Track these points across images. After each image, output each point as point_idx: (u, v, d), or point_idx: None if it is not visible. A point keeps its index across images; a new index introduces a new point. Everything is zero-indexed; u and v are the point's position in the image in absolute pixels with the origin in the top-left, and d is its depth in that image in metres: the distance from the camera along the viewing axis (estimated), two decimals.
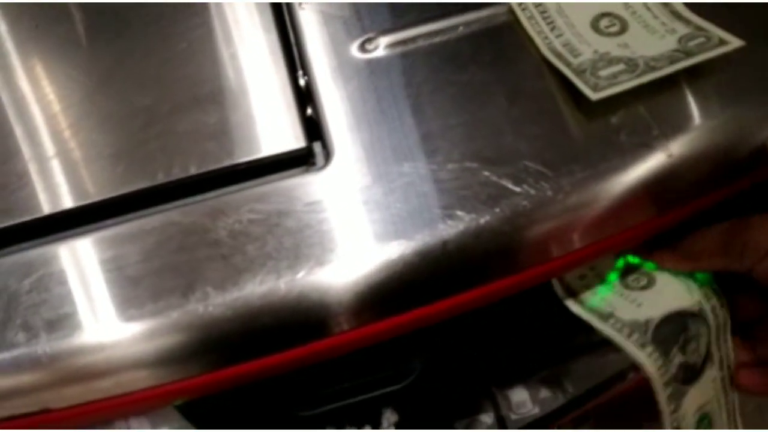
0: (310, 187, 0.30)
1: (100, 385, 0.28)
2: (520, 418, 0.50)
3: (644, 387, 0.37)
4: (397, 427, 0.34)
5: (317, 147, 0.31)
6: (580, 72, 0.30)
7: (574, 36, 0.31)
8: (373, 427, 0.34)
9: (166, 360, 0.27)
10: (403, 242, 0.28)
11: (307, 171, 0.30)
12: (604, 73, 0.29)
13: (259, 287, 0.28)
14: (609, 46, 0.31)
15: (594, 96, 0.28)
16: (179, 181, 0.30)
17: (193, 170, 0.30)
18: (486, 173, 0.29)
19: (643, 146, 0.29)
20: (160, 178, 0.30)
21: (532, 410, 0.51)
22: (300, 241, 0.28)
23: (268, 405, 0.33)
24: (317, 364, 0.30)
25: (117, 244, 0.29)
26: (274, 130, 0.31)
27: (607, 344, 0.50)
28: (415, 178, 0.29)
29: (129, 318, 0.28)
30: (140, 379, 0.28)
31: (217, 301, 0.28)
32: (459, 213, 0.28)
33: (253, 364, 0.28)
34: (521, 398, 0.51)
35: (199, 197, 0.30)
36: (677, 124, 0.30)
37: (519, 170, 0.29)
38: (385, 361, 0.35)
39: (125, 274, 0.28)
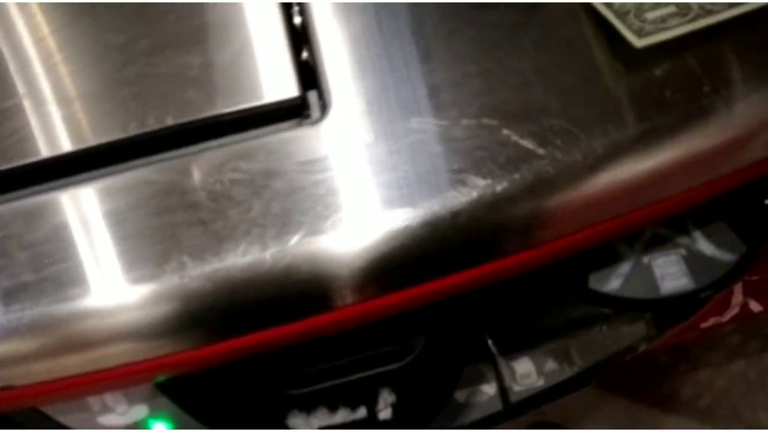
0: (303, 143, 0.26)
1: (66, 361, 0.25)
2: (524, 389, 0.48)
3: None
4: (394, 409, 0.32)
5: (313, 97, 0.27)
6: (622, 14, 0.25)
7: None
8: (369, 408, 0.31)
9: (138, 336, 0.24)
10: (408, 211, 0.25)
11: (300, 124, 0.27)
12: (650, 16, 0.25)
13: (242, 258, 0.24)
14: None
15: (638, 43, 0.24)
16: (154, 134, 0.26)
17: (171, 121, 0.26)
18: (506, 132, 0.25)
19: (691, 104, 0.25)
20: (133, 129, 0.26)
21: (537, 382, 0.49)
22: (290, 206, 0.25)
23: (254, 382, 0.31)
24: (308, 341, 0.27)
25: (84, 205, 0.25)
26: (264, 76, 0.27)
27: (619, 316, 0.47)
28: (424, 136, 0.25)
29: (97, 289, 0.24)
30: (110, 356, 0.25)
31: (195, 273, 0.24)
32: (473, 178, 0.25)
33: (234, 342, 0.25)
34: (526, 369, 0.49)
35: (176, 152, 0.26)
36: (731, 79, 0.26)
37: (545, 129, 0.25)
38: (383, 337, 0.32)
39: (90, 240, 0.25)
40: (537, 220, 0.25)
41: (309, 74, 0.27)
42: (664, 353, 1.01)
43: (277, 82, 0.27)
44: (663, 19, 0.25)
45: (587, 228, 0.26)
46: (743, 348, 0.97)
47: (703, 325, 0.78)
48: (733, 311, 0.75)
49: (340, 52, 0.27)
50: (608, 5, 0.25)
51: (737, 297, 0.74)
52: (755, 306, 0.75)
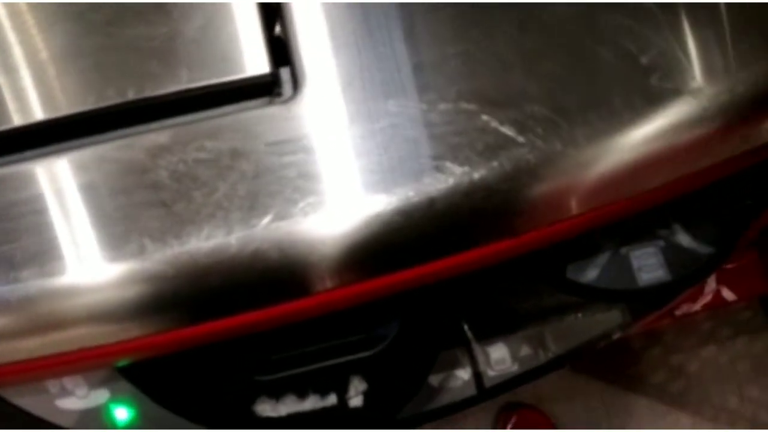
0: (273, 122, 0.24)
1: (19, 344, 0.24)
2: (498, 374, 0.49)
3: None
4: (365, 396, 0.31)
5: (285, 74, 0.26)
6: None
7: None
8: (339, 396, 0.31)
9: (94, 320, 0.23)
10: (382, 197, 0.24)
11: (270, 103, 0.25)
12: None
13: (206, 242, 0.23)
14: None
15: None
16: (114, 108, 0.25)
17: (132, 95, 0.25)
18: (485, 118, 0.24)
19: (677, 93, 0.24)
20: (92, 103, 0.25)
21: (511, 367, 0.49)
22: (257, 189, 0.24)
23: (220, 367, 0.30)
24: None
25: (38, 182, 0.24)
26: (233, 50, 0.25)
27: (594, 305, 0.47)
28: (401, 120, 0.24)
29: (52, 271, 0.23)
30: (66, 340, 0.24)
31: (156, 256, 0.23)
32: (450, 165, 0.24)
33: (196, 329, 0.24)
34: (501, 355, 0.49)
35: (136, 129, 0.25)
36: (717, 68, 0.25)
37: (525, 116, 0.24)
38: (355, 324, 0.31)
39: (47, 219, 0.23)
40: (516, 209, 0.24)
41: (281, 50, 0.26)
42: (637, 338, 1.02)
43: (247, 57, 0.25)
44: None
45: (567, 218, 0.25)
46: (714, 334, 0.99)
47: (677, 312, 0.78)
48: (706, 299, 0.76)
49: (315, 27, 0.26)
50: None
51: (710, 285, 0.75)
52: (728, 294, 0.76)
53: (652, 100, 0.24)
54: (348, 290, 0.24)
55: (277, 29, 0.27)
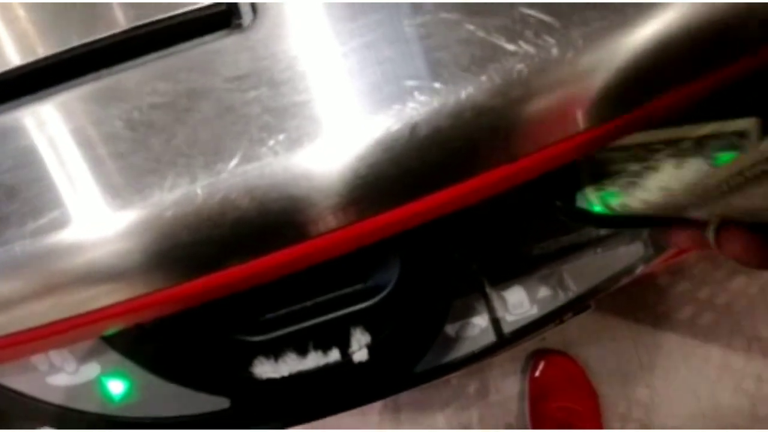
0: (231, 55, 0.22)
1: None
2: (517, 318, 0.46)
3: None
4: (369, 349, 0.29)
5: (245, 6, 0.23)
6: None
7: None
8: (342, 351, 0.29)
9: (55, 289, 0.21)
10: (358, 129, 0.21)
11: (228, 34, 0.23)
12: None
13: (169, 194, 0.21)
14: None
15: None
16: (58, 57, 0.22)
17: (75, 40, 0.22)
18: (469, 27, 0.21)
19: None
20: (32, 54, 0.22)
21: (530, 310, 0.47)
22: (220, 131, 0.21)
23: (212, 330, 0.28)
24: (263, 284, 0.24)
25: None
26: None
27: (615, 238, 0.44)
28: (374, 38, 0.22)
29: (7, 240, 0.21)
30: (33, 314, 0.22)
31: (117, 214, 0.21)
32: (433, 84, 0.21)
33: (169, 292, 0.22)
34: (518, 298, 0.47)
35: (84, 79, 0.22)
36: None
37: (514, 21, 0.21)
38: (351, 274, 0.29)
39: None
40: (510, 130, 0.22)
41: None
42: (663, 275, 0.99)
43: None
44: None
45: (570, 137, 0.22)
46: None
47: None
48: None
49: None
50: None
51: None
52: None
53: None
54: (330, 236, 0.22)
55: None
